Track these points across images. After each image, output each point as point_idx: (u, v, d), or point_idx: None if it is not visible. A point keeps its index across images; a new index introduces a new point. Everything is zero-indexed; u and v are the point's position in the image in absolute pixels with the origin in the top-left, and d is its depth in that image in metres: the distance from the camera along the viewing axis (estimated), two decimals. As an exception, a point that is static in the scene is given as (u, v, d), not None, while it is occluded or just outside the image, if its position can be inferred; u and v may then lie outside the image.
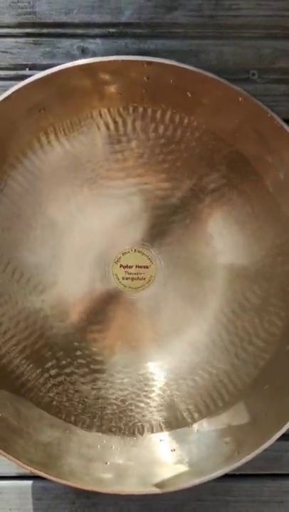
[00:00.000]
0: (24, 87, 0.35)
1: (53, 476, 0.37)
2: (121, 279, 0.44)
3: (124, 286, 0.44)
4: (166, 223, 0.44)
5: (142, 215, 0.44)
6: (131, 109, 0.40)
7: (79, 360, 0.44)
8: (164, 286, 0.45)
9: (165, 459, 0.41)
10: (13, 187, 0.41)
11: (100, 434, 0.42)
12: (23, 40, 0.42)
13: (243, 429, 0.39)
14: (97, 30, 0.42)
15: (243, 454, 0.36)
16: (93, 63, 0.35)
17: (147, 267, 0.44)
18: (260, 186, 0.42)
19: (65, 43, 0.42)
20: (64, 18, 0.42)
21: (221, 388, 0.43)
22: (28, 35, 0.42)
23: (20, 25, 0.42)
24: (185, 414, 0.43)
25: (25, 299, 0.43)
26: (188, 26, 0.42)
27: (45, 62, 0.42)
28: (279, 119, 0.37)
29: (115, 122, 0.41)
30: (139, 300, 0.45)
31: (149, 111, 0.40)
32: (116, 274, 0.44)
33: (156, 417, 0.43)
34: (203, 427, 0.42)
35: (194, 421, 0.42)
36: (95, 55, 0.42)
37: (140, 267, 0.44)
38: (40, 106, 0.38)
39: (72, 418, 0.42)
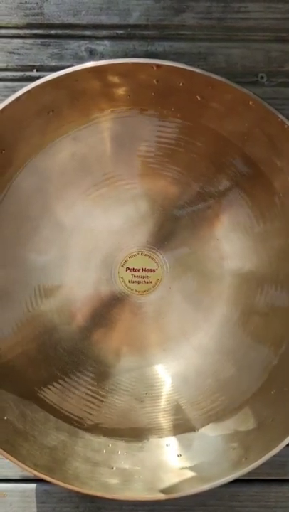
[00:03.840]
0: (34, 88, 0.35)
1: (58, 480, 0.36)
2: (127, 282, 0.44)
3: (131, 289, 0.44)
4: (173, 226, 0.44)
5: (149, 218, 0.44)
6: (140, 112, 0.40)
7: (85, 363, 0.44)
8: (170, 289, 0.45)
9: (171, 464, 0.40)
10: (22, 187, 0.41)
11: (105, 438, 0.42)
12: (30, 41, 0.42)
13: (250, 435, 0.39)
14: (105, 32, 0.42)
15: (250, 460, 0.36)
16: (103, 65, 0.35)
17: (154, 271, 0.44)
18: (268, 190, 0.41)
19: (73, 44, 0.42)
20: (72, 20, 0.42)
21: (227, 393, 0.43)
22: (35, 36, 0.42)
23: (28, 26, 0.42)
24: (191, 418, 0.43)
25: (31, 300, 0.43)
26: (197, 29, 0.42)
27: (52, 63, 0.42)
28: (288, 123, 0.37)
29: (124, 125, 0.41)
30: (145, 303, 0.45)
31: (158, 114, 0.40)
32: (122, 277, 0.44)
33: (163, 421, 0.43)
34: (210, 432, 0.42)
35: (201, 426, 0.42)
36: (102, 56, 0.42)
37: (147, 270, 0.44)
38: (49, 108, 0.38)
39: (78, 422, 0.42)
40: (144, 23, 0.42)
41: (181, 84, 0.37)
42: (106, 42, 0.42)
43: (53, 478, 0.36)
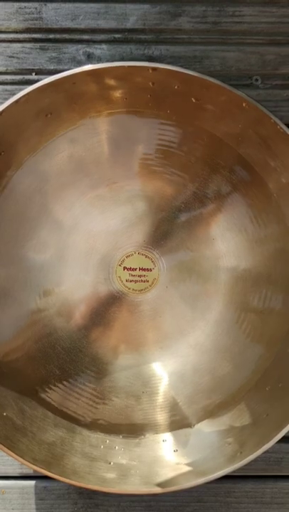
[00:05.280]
0: (33, 91, 0.35)
1: (56, 475, 0.37)
2: (125, 282, 0.45)
3: (128, 288, 0.45)
4: (170, 226, 0.45)
5: (145, 218, 0.45)
6: (136, 114, 0.41)
7: (83, 361, 0.44)
8: (167, 288, 0.45)
9: (168, 459, 0.41)
10: (20, 188, 0.42)
11: (103, 434, 0.42)
12: (29, 45, 0.43)
13: (245, 430, 0.40)
14: (102, 36, 0.43)
15: (245, 454, 0.36)
16: (100, 69, 0.36)
17: (151, 270, 0.45)
18: (262, 190, 0.42)
19: (71, 48, 0.43)
20: (70, 24, 0.42)
21: (223, 390, 0.43)
22: (34, 40, 0.43)
23: (27, 30, 0.42)
24: (188, 415, 0.43)
25: (30, 299, 0.44)
26: (193, 32, 0.43)
27: (51, 67, 0.43)
28: (282, 124, 0.37)
29: (121, 127, 0.41)
30: (142, 302, 0.45)
31: (154, 116, 0.41)
32: (120, 277, 0.45)
33: (160, 417, 0.43)
34: (206, 428, 0.42)
35: (197, 421, 0.43)
36: (100, 60, 0.43)
37: (144, 269, 0.45)
38: (47, 110, 0.38)
39: (76, 418, 0.43)
40: (140, 27, 0.43)
41: (176, 87, 0.38)
42: (103, 46, 0.43)
43: (51, 472, 0.36)
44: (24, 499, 0.45)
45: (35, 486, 0.45)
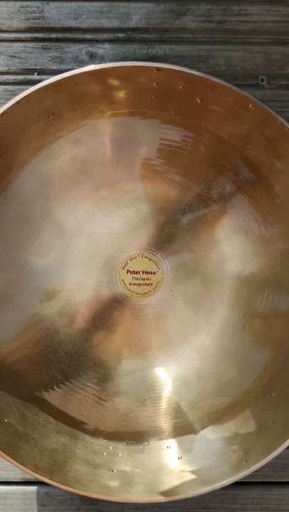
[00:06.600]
0: (34, 92, 0.35)
1: (59, 483, 0.36)
2: (128, 285, 0.44)
3: (131, 291, 0.44)
4: (174, 229, 0.44)
5: (149, 220, 0.44)
6: (140, 115, 0.40)
7: (85, 366, 0.44)
8: (170, 292, 0.45)
9: (172, 466, 0.40)
10: (22, 191, 0.41)
11: (106, 440, 0.42)
12: (31, 44, 0.42)
13: (250, 437, 0.39)
14: (105, 35, 0.42)
15: (250, 463, 0.36)
16: (103, 69, 0.35)
17: (154, 273, 0.44)
18: (268, 192, 0.41)
19: (74, 47, 0.42)
20: (73, 23, 0.42)
21: (228, 395, 0.43)
22: (36, 39, 0.42)
23: (29, 29, 0.42)
24: (192, 421, 0.43)
25: (32, 303, 0.43)
26: (197, 31, 0.42)
27: (53, 66, 0.43)
28: (288, 125, 0.37)
29: (124, 128, 0.41)
30: (146, 306, 0.45)
31: (158, 117, 0.40)
32: (123, 280, 0.44)
33: (163, 423, 0.43)
34: (210, 435, 0.42)
35: (201, 428, 0.42)
36: (103, 60, 0.43)
37: (147, 272, 0.44)
38: (49, 111, 0.38)
39: (79, 424, 0.42)
40: (144, 26, 0.42)
41: (181, 87, 0.37)
42: (106, 45, 0.42)
43: (53, 480, 0.36)
44: (26, 505, 0.45)
45: (38, 492, 0.45)
